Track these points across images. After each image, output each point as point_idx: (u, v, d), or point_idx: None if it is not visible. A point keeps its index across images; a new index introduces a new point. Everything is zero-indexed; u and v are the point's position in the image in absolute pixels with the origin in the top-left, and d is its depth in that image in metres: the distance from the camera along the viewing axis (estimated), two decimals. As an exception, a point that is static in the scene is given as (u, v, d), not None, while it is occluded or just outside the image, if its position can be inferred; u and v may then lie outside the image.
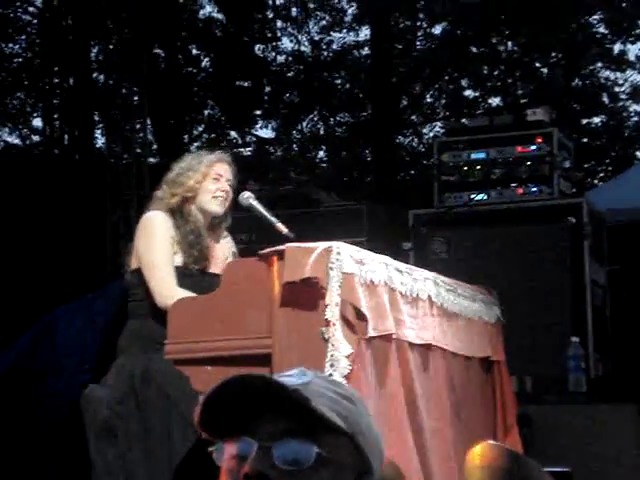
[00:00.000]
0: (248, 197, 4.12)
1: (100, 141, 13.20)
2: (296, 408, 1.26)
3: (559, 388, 5.99)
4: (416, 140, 15.93)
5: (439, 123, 15.06)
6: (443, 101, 15.83)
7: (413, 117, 15.74)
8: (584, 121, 15.85)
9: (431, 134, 15.21)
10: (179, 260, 3.91)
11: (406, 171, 15.43)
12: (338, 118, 15.49)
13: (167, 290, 3.80)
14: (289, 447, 1.26)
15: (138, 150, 10.16)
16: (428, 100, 15.76)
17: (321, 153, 15.99)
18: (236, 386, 1.27)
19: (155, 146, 13.49)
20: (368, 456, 1.31)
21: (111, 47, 10.74)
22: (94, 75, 13.28)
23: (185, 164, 4.05)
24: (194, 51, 14.98)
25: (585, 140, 15.46)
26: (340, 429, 1.28)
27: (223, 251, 4.10)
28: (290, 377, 1.33)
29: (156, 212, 3.94)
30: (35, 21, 14.38)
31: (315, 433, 1.27)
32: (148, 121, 11.18)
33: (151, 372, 3.73)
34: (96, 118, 13.16)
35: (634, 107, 15.93)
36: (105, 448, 3.74)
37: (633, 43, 15.19)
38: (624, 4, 14.34)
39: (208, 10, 15.04)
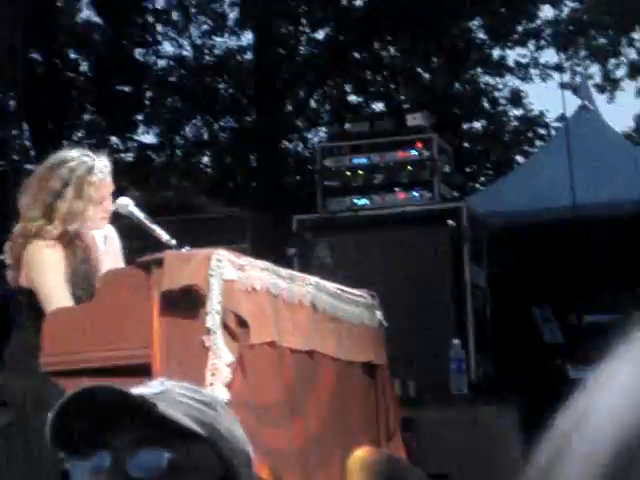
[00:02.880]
0: (127, 204, 4.03)
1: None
2: (147, 416, 1.25)
3: (441, 391, 6.06)
4: (301, 145, 15.97)
5: (324, 128, 15.12)
6: (327, 106, 15.90)
7: (298, 122, 15.77)
8: (465, 126, 16.12)
9: (316, 139, 15.26)
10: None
11: (291, 176, 15.45)
12: (222, 123, 15.40)
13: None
14: (142, 456, 1.25)
15: (15, 157, 9.92)
16: (312, 105, 15.82)
17: (205, 159, 15.89)
18: (84, 399, 1.25)
19: (33, 152, 13.21)
20: (231, 460, 1.30)
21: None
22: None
23: (57, 181, 3.79)
24: (72, 55, 14.72)
25: (466, 145, 15.72)
26: (195, 434, 1.27)
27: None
28: (147, 388, 1.32)
29: (49, 246, 3.74)
30: None
31: (169, 440, 1.26)
32: (25, 127, 10.94)
33: (45, 399, 3.57)
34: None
35: (513, 112, 16.28)
36: None
37: (511, 48, 15.53)
38: (502, 10, 14.64)
39: (87, 13, 14.79)
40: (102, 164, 3.88)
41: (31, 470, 3.57)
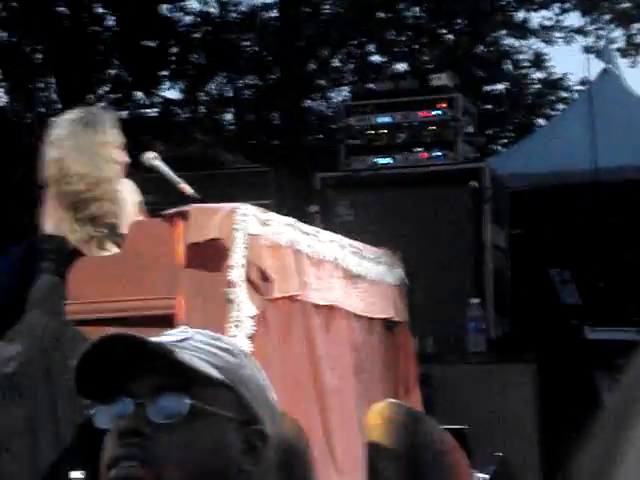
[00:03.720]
0: (152, 157, 4.07)
1: (2, 99, 12.91)
2: (167, 364, 1.28)
3: (459, 348, 6.12)
4: (324, 104, 15.93)
5: (346, 88, 15.08)
6: (351, 66, 15.84)
7: (321, 81, 15.73)
8: (487, 88, 16.04)
9: (339, 98, 15.23)
10: None
11: (313, 135, 15.44)
12: (246, 80, 15.38)
13: None
14: (162, 402, 1.28)
15: (42, 109, 9.98)
16: (336, 64, 15.76)
17: (228, 116, 15.89)
18: (105, 347, 1.29)
19: (59, 105, 13.26)
20: (252, 406, 1.34)
21: (14, 4, 10.50)
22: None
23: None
24: (99, 10, 14.71)
25: (488, 107, 15.65)
26: (215, 380, 1.31)
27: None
28: (169, 335, 1.35)
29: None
30: None
31: (190, 386, 1.29)
32: (52, 79, 10.98)
33: (63, 338, 3.67)
34: (-2, 76, 12.86)
35: (536, 75, 16.19)
36: (10, 405, 3.68)
37: (536, 11, 15.41)
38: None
39: (113, -31, 14.77)
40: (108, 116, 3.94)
41: (54, 407, 3.64)
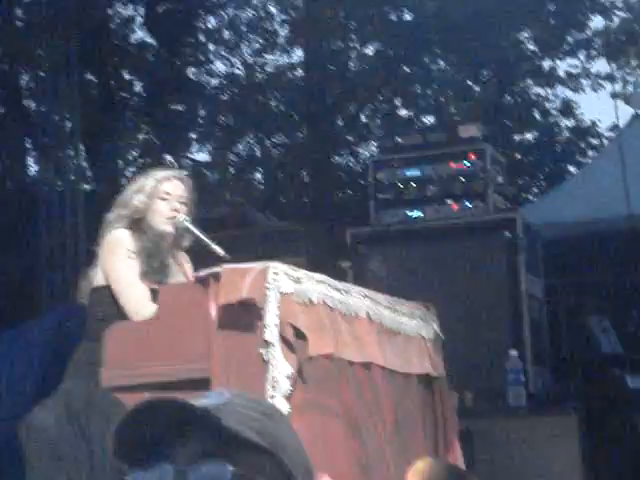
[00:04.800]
0: (183, 219, 4.10)
1: (33, 169, 13.08)
2: (211, 429, 1.24)
3: (499, 402, 6.03)
4: (352, 160, 16.00)
5: (374, 142, 15.15)
6: (378, 121, 15.92)
7: (349, 137, 15.81)
8: (517, 137, 16.05)
9: (367, 153, 15.29)
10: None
11: (343, 191, 15.49)
12: (274, 140, 15.50)
13: (144, 308, 3.74)
14: (205, 469, 1.24)
15: (72, 177, 10.06)
16: (363, 120, 15.85)
17: (258, 175, 16.01)
18: (148, 412, 1.25)
19: (89, 173, 13.39)
20: (292, 472, 1.30)
21: (42, 74, 10.63)
22: (25, 102, 13.14)
23: (134, 184, 4.04)
24: (127, 76, 14.92)
25: (518, 156, 15.64)
26: (258, 446, 1.26)
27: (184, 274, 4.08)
28: (207, 398, 1.31)
29: (119, 229, 3.92)
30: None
31: (232, 452, 1.25)
32: (81, 147, 11.09)
33: (95, 396, 3.66)
34: (28, 146, 13.03)
35: (565, 123, 16.18)
36: (53, 474, 3.66)
37: (562, 59, 15.45)
38: (552, 21, 14.59)
39: (140, 35, 15.01)
40: (176, 171, 4.21)
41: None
